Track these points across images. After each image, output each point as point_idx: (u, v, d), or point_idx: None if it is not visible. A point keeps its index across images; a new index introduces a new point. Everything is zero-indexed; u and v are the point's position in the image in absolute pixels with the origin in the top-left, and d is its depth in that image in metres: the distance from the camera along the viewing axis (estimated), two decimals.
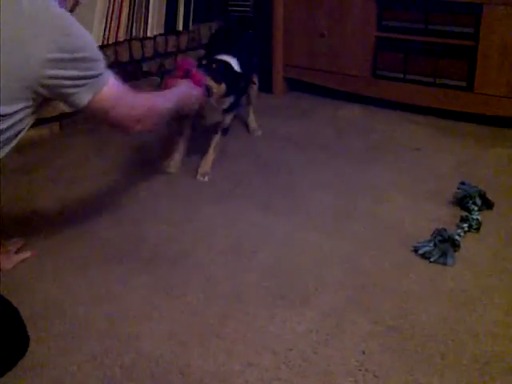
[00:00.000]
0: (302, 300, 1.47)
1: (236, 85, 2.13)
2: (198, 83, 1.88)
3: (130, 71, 2.90)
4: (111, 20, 2.71)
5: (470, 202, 1.88)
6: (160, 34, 3.03)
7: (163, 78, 1.93)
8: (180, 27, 3.12)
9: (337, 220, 1.87)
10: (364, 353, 1.29)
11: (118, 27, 2.77)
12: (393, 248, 1.70)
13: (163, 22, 3.01)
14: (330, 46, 2.94)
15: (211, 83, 2.02)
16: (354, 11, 2.82)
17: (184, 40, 3.20)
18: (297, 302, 1.46)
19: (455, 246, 1.67)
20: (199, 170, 2.20)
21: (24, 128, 1.30)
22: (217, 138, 2.25)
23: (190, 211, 1.94)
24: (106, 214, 1.91)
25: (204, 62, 2.07)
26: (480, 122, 2.64)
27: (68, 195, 2.05)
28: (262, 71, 2.66)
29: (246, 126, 2.65)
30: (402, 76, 2.78)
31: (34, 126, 2.46)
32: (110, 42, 2.75)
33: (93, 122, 1.78)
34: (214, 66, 2.07)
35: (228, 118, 2.24)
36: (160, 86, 1.83)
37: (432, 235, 1.70)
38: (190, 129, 2.27)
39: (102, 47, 2.69)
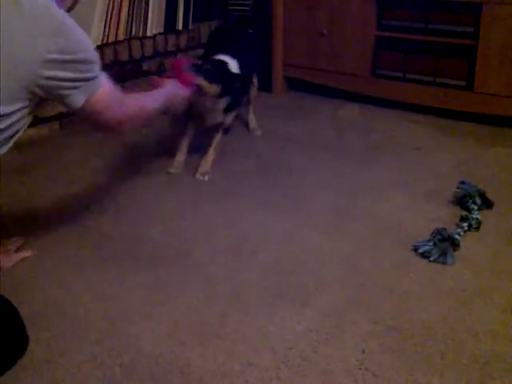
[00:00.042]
0: (302, 299, 1.47)
1: (231, 85, 2.11)
2: (187, 83, 1.88)
3: (130, 70, 2.90)
4: (111, 19, 2.71)
5: (470, 201, 1.88)
6: (160, 33, 3.03)
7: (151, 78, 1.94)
8: (180, 26, 3.12)
9: (337, 219, 1.87)
10: (364, 352, 1.29)
11: (118, 26, 2.76)
12: (392, 247, 1.70)
13: (163, 21, 3.01)
14: (330, 46, 2.94)
15: (203, 83, 2.02)
16: (353, 10, 2.82)
17: (184, 39, 3.20)
18: (297, 302, 1.46)
19: (455, 245, 1.67)
20: (199, 169, 2.20)
21: (21, 128, 1.30)
22: (218, 138, 2.25)
23: (190, 210, 1.94)
24: (106, 213, 1.91)
25: (198, 62, 2.07)
26: (480, 121, 2.64)
27: (68, 194, 2.06)
28: (261, 71, 2.66)
29: (246, 125, 2.65)
30: (401, 75, 2.78)
31: (33, 125, 2.52)
32: (110, 41, 2.75)
33: (84, 123, 1.79)
34: (207, 66, 2.07)
35: (229, 118, 2.24)
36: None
37: (432, 234, 1.70)
38: (194, 130, 2.27)
39: (101, 46, 2.71)
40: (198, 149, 2.29)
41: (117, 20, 2.75)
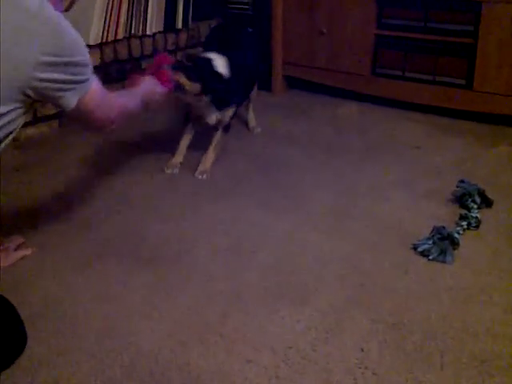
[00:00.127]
0: (302, 299, 1.47)
1: (214, 82, 2.08)
2: (164, 80, 1.88)
3: (129, 69, 2.89)
4: (110, 17, 2.71)
5: (470, 200, 1.88)
6: (159, 32, 3.03)
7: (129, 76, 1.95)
8: (179, 25, 3.12)
9: (336, 219, 1.87)
10: (363, 351, 1.29)
11: (117, 25, 2.76)
12: (392, 246, 1.70)
13: (162, 19, 3.01)
14: (330, 44, 2.94)
15: (183, 80, 2.02)
16: (353, 9, 2.82)
17: (183, 38, 3.20)
18: (296, 301, 1.46)
19: (454, 243, 1.67)
20: (199, 168, 2.20)
21: (16, 128, 1.31)
22: (218, 136, 2.24)
23: (190, 210, 1.94)
24: (106, 212, 1.91)
25: (180, 59, 2.07)
26: (479, 119, 2.64)
27: (67, 193, 2.05)
28: (261, 69, 2.66)
29: (246, 124, 2.65)
30: (401, 74, 2.78)
31: (33, 123, 2.53)
32: (109, 40, 2.74)
33: (74, 122, 1.81)
34: (188, 63, 2.06)
35: (226, 116, 2.23)
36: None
37: (431, 233, 1.70)
38: (193, 131, 2.27)
39: (101, 44, 2.71)
40: (199, 148, 2.29)
41: (116, 18, 2.74)
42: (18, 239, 1.70)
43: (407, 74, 2.76)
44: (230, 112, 2.23)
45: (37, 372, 1.23)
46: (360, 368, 1.24)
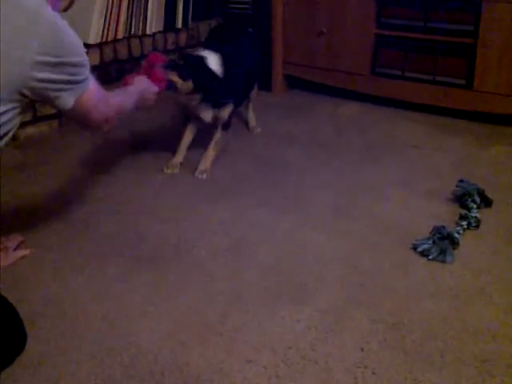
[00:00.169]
0: (302, 299, 1.47)
1: (206, 80, 2.07)
2: (156, 79, 1.88)
3: (129, 69, 2.89)
4: (110, 17, 2.71)
5: (469, 199, 1.88)
6: (159, 32, 3.03)
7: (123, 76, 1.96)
8: (179, 24, 3.11)
9: (336, 219, 1.87)
10: (363, 350, 1.29)
11: (117, 24, 2.76)
12: (392, 246, 1.70)
13: (162, 19, 3.01)
14: (330, 44, 2.94)
15: (176, 79, 2.02)
16: (353, 9, 2.82)
17: (183, 37, 3.20)
18: (296, 301, 1.46)
19: (454, 243, 1.67)
20: (199, 168, 2.19)
21: (13, 128, 1.30)
22: (217, 135, 2.24)
23: (190, 210, 1.94)
24: (106, 211, 1.91)
25: (172, 58, 2.07)
26: (479, 119, 2.64)
27: (67, 193, 2.05)
28: (261, 69, 2.66)
29: (246, 123, 2.65)
30: (401, 74, 2.78)
31: (33, 123, 2.52)
32: (109, 39, 2.74)
33: (71, 122, 1.81)
34: (180, 62, 2.06)
35: (224, 113, 2.22)
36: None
37: (431, 233, 1.70)
38: (193, 131, 2.27)
39: (100, 44, 2.71)
40: (199, 147, 2.29)
41: (116, 18, 2.74)
42: (18, 238, 1.70)
43: (407, 74, 2.76)
44: (227, 110, 2.21)
45: (37, 371, 1.23)
46: (360, 368, 1.24)
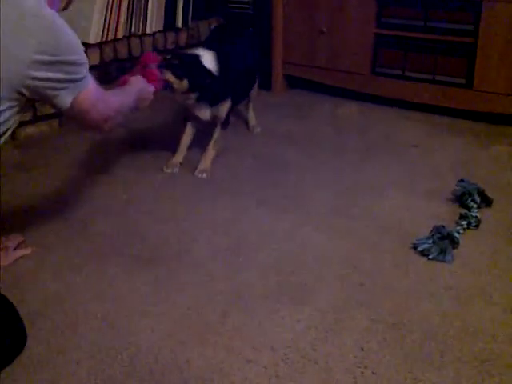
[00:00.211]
0: (302, 298, 1.47)
1: (202, 78, 2.06)
2: (152, 79, 1.88)
3: (129, 68, 2.89)
4: (110, 17, 2.71)
5: (469, 199, 1.88)
6: (159, 31, 3.03)
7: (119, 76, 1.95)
8: (179, 24, 3.11)
9: (336, 218, 1.87)
10: (363, 350, 1.29)
11: (117, 24, 2.76)
12: (392, 246, 1.70)
13: (162, 18, 3.01)
14: (330, 44, 2.94)
15: (171, 79, 2.02)
16: (353, 8, 2.82)
17: (183, 37, 3.20)
18: (296, 301, 1.46)
19: (454, 243, 1.67)
20: (198, 167, 2.19)
21: (10, 127, 1.30)
22: (217, 133, 2.24)
23: (190, 209, 1.94)
24: (106, 211, 1.91)
25: (167, 57, 2.06)
26: (479, 119, 2.64)
27: (67, 192, 2.06)
28: (261, 69, 2.66)
29: (246, 123, 2.65)
30: (401, 73, 2.78)
31: (33, 122, 2.52)
32: (109, 39, 2.74)
33: (71, 122, 1.81)
34: (175, 61, 2.05)
35: (222, 111, 2.21)
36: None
37: (431, 232, 1.70)
38: (193, 130, 2.27)
39: (100, 44, 2.71)
40: (199, 147, 2.29)
41: (116, 17, 2.74)
42: (18, 238, 1.70)
43: (407, 74, 2.76)
44: (224, 107, 2.20)
45: (36, 371, 1.23)
46: (360, 367, 1.24)
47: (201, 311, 1.42)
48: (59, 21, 1.26)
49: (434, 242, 1.66)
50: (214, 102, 2.16)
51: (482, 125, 2.63)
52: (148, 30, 2.94)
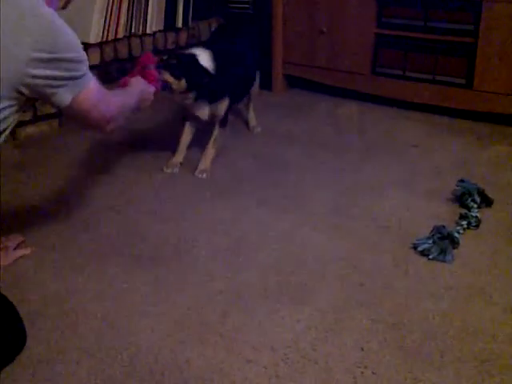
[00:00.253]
0: (302, 298, 1.47)
1: (200, 77, 2.06)
2: (152, 80, 1.88)
3: (129, 68, 2.89)
4: (110, 16, 2.70)
5: (469, 199, 1.88)
6: (159, 31, 3.03)
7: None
8: (179, 24, 3.11)
9: (336, 218, 1.87)
10: (363, 350, 1.29)
11: (118, 24, 2.76)
12: (392, 245, 1.70)
13: (163, 18, 3.01)
14: (330, 43, 2.94)
15: (170, 79, 2.02)
16: (353, 8, 2.82)
17: (183, 37, 3.20)
18: (296, 301, 1.46)
19: (454, 243, 1.67)
20: (198, 167, 2.19)
21: (9, 126, 1.30)
22: (216, 132, 2.23)
23: (190, 209, 1.94)
24: (106, 211, 1.91)
25: (164, 58, 2.06)
26: (479, 119, 2.64)
27: (67, 192, 2.06)
28: (261, 68, 2.66)
29: (246, 123, 2.65)
30: (401, 73, 2.78)
31: (33, 122, 2.52)
32: (110, 39, 2.74)
33: (71, 122, 1.81)
34: (172, 61, 2.05)
35: (221, 109, 2.21)
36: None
37: (431, 232, 1.70)
38: (192, 130, 2.27)
39: (101, 43, 2.71)
40: (198, 146, 2.29)
41: (116, 17, 2.74)
42: (18, 238, 1.70)
43: (407, 74, 2.76)
44: (223, 105, 2.20)
45: (36, 370, 1.23)
46: (360, 367, 1.24)
47: (201, 311, 1.42)
48: (57, 19, 1.26)
49: (434, 242, 1.66)
50: (212, 101, 2.16)
51: (482, 125, 2.63)
52: (148, 30, 2.94)
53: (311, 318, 1.39)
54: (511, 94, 2.49)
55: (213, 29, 3.23)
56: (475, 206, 1.86)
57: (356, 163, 2.28)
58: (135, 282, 1.54)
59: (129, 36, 2.86)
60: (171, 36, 3.12)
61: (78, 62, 1.32)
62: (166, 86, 2.00)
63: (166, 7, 3.00)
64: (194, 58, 2.09)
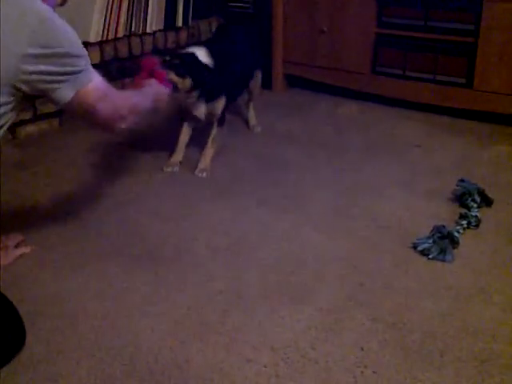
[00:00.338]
0: (302, 298, 1.47)
1: (202, 75, 2.08)
2: (162, 81, 1.88)
3: (129, 67, 2.89)
4: (110, 16, 2.70)
5: (469, 199, 1.88)
6: (159, 30, 3.02)
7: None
8: (179, 23, 3.11)
9: (336, 218, 1.87)
10: (363, 350, 1.29)
11: (118, 23, 2.76)
12: (392, 245, 1.70)
13: (163, 17, 3.01)
14: (330, 43, 2.93)
15: (175, 78, 2.02)
16: (353, 8, 2.82)
17: (183, 36, 3.20)
18: (296, 300, 1.46)
19: (454, 242, 1.67)
20: (198, 166, 2.20)
21: (6, 122, 1.30)
22: (214, 131, 2.23)
23: (190, 209, 1.94)
24: (105, 210, 1.91)
25: (167, 58, 2.06)
26: (479, 119, 2.64)
27: (67, 191, 2.05)
28: (262, 68, 2.66)
29: (246, 122, 2.65)
30: (401, 73, 2.78)
31: (33, 121, 2.52)
32: (110, 38, 2.74)
33: (76, 120, 1.79)
34: (175, 61, 2.06)
35: (218, 108, 2.20)
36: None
37: (431, 232, 1.70)
38: (190, 129, 2.27)
39: (101, 43, 2.70)
40: (198, 146, 2.29)
41: (117, 16, 2.74)
42: (18, 237, 1.70)
43: (407, 73, 2.76)
44: (219, 104, 2.20)
45: (37, 370, 1.23)
46: (360, 367, 1.24)
47: (201, 311, 1.42)
48: (54, 16, 1.26)
49: (434, 242, 1.66)
50: (209, 100, 2.16)
51: (482, 125, 2.63)
52: (148, 29, 2.94)
53: (311, 317, 1.39)
54: (511, 93, 2.49)
55: (213, 29, 3.23)
56: (475, 205, 1.86)
57: (356, 163, 2.28)
58: (135, 281, 1.54)
59: (129, 35, 2.86)
60: (171, 35, 3.12)
61: (76, 56, 1.30)
62: (173, 87, 2.00)
63: (166, 6, 3.00)
64: (194, 56, 2.10)
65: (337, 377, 1.22)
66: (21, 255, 1.64)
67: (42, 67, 1.24)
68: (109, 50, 2.77)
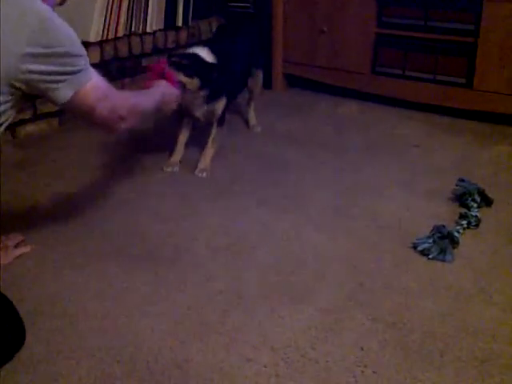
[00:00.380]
0: (302, 298, 1.47)
1: (209, 74, 2.08)
2: (173, 82, 1.88)
3: (130, 67, 2.89)
4: (111, 15, 2.70)
5: (469, 198, 1.88)
6: (159, 30, 3.02)
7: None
8: (179, 23, 3.11)
9: (336, 218, 1.87)
10: (363, 349, 1.29)
11: (118, 23, 2.76)
12: (392, 245, 1.70)
13: (163, 17, 3.01)
14: (330, 43, 2.94)
15: (184, 79, 2.02)
16: (353, 7, 2.82)
17: (183, 36, 3.20)
18: (296, 299, 1.46)
19: (454, 242, 1.67)
20: (198, 166, 2.20)
21: (5, 121, 1.29)
22: (214, 131, 2.23)
23: (190, 208, 1.94)
24: (105, 210, 1.91)
25: (174, 59, 2.07)
26: (479, 119, 2.64)
27: (67, 191, 2.05)
28: (263, 67, 2.66)
29: (246, 122, 2.65)
30: (401, 73, 2.78)
31: (33, 121, 2.52)
32: (110, 38, 2.74)
33: (76, 119, 1.78)
34: (183, 61, 2.06)
35: (218, 108, 2.20)
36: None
37: (431, 232, 1.70)
38: (189, 128, 2.27)
39: (101, 42, 2.71)
40: (197, 146, 2.29)
41: (117, 16, 2.74)
42: (18, 237, 1.70)
43: (407, 73, 2.76)
44: (220, 104, 2.20)
45: (36, 369, 1.23)
46: (359, 367, 1.24)
47: (201, 311, 1.42)
48: (53, 15, 1.26)
49: (434, 242, 1.66)
50: (209, 100, 2.16)
51: (482, 125, 2.63)
52: (148, 29, 2.94)
53: (311, 317, 1.39)
54: (511, 93, 2.49)
55: (213, 28, 3.23)
56: (475, 205, 1.86)
57: (356, 163, 2.28)
58: (135, 281, 1.54)
59: (129, 35, 2.86)
60: (171, 35, 3.12)
61: (75, 55, 1.30)
62: (181, 88, 2.00)
63: (166, 6, 3.00)
64: (198, 56, 2.10)
65: (337, 377, 1.22)
66: (21, 255, 1.64)
67: (42, 67, 1.24)
68: (109, 49, 2.77)
